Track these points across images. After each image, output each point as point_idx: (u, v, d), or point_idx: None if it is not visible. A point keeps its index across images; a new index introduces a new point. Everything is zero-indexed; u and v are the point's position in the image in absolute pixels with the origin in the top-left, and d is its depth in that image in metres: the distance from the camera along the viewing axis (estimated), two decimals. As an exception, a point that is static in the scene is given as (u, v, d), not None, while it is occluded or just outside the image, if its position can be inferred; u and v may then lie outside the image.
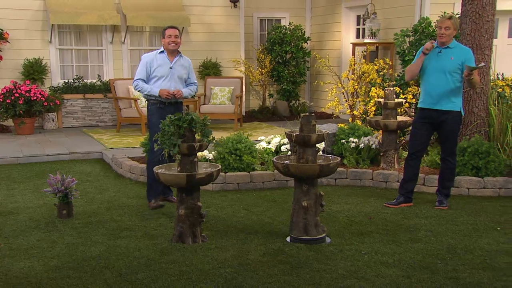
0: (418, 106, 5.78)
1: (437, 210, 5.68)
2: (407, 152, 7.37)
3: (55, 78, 11.12)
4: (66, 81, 11.12)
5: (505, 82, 7.31)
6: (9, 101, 9.88)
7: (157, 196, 5.82)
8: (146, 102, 5.91)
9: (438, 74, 5.52)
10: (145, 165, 7.07)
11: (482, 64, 5.80)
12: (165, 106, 5.74)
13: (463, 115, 5.78)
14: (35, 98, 10.01)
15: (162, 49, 5.81)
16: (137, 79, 5.79)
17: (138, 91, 5.81)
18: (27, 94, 9.97)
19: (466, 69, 5.39)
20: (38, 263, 4.27)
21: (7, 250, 4.56)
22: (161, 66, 5.75)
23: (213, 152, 6.88)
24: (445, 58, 5.52)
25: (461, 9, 6.88)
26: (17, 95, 9.90)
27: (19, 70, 10.71)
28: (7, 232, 5.02)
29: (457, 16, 7.63)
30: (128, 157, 7.63)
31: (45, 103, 10.18)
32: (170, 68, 5.76)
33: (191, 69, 6.01)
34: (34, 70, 10.65)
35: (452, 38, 5.56)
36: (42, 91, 10.26)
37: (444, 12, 8.84)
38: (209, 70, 11.78)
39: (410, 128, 8.29)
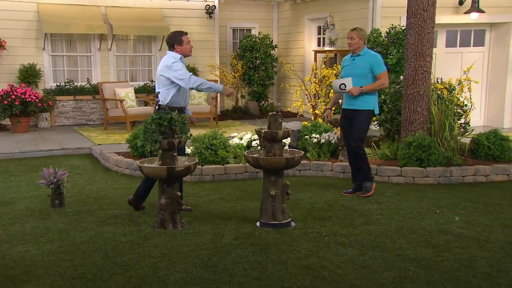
0: (342, 107, 5.85)
1: (387, 196, 5.72)
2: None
3: (48, 82, 10.89)
4: (58, 84, 10.91)
5: (443, 86, 7.43)
6: (6, 102, 9.68)
7: (143, 201, 5.26)
8: (157, 108, 4.84)
9: (352, 79, 5.56)
10: (130, 159, 7.00)
11: (344, 87, 5.61)
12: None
13: (376, 113, 5.74)
14: (30, 99, 9.80)
15: (178, 55, 5.02)
16: (191, 75, 4.95)
17: (198, 85, 4.94)
18: (23, 96, 9.76)
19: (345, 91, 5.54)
20: (33, 248, 4.18)
21: (5, 236, 4.46)
22: None
23: (191, 147, 6.83)
24: (357, 64, 5.60)
25: (406, 22, 6.97)
26: (13, 97, 9.68)
27: (15, 74, 10.47)
28: (5, 220, 4.91)
29: (403, 28, 7.76)
30: (114, 152, 7.52)
31: (39, 104, 9.97)
32: None
33: None
34: (29, 74, 10.43)
35: (362, 46, 5.62)
36: (37, 93, 10.04)
37: (392, 25, 8.99)
38: (188, 74, 11.67)
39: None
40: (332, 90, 8.20)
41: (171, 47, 5.07)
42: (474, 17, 10.00)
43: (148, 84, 11.51)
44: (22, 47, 10.54)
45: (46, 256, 4.02)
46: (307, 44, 12.08)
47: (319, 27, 11.80)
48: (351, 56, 5.71)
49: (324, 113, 5.81)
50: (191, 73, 5.02)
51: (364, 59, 5.60)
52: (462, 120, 7.46)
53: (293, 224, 4.77)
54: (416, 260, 3.95)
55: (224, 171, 6.59)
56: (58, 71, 11.15)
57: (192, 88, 5.01)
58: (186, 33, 5.12)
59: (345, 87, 5.56)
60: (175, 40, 5.05)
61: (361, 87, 5.51)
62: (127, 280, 3.59)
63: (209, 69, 12.09)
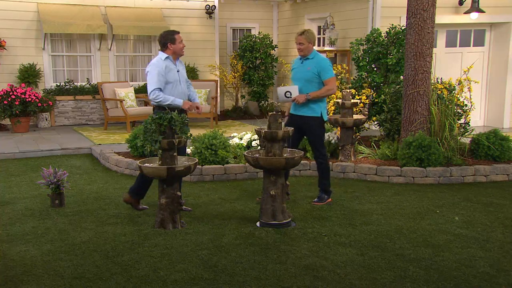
0: (289, 112, 5.59)
1: (387, 196, 5.73)
2: (362, 147, 7.49)
3: (48, 82, 10.89)
4: (58, 84, 10.90)
5: (443, 85, 7.44)
6: (6, 102, 9.67)
7: (141, 197, 5.27)
8: (154, 109, 5.07)
9: (299, 83, 5.38)
10: (130, 159, 7.00)
11: (290, 95, 5.37)
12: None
13: (325, 120, 5.43)
14: (30, 99, 9.79)
15: (165, 55, 5.03)
16: (154, 89, 4.89)
17: (158, 101, 4.90)
18: (23, 96, 9.76)
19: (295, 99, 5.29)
20: (33, 248, 4.19)
21: (5, 236, 4.46)
22: (171, 71, 5.01)
23: (191, 147, 6.83)
24: (304, 68, 5.39)
25: (406, 22, 6.97)
26: (13, 96, 9.68)
27: (15, 74, 10.47)
28: (5, 220, 4.91)
29: (403, 28, 7.75)
30: (114, 152, 7.52)
31: (39, 104, 9.97)
32: (178, 71, 5.14)
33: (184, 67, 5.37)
34: (29, 74, 10.43)
35: (311, 49, 5.40)
36: (36, 93, 10.04)
37: (392, 25, 8.99)
38: (187, 74, 11.65)
39: (365, 125, 8.40)
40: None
41: (164, 46, 5.06)
42: (474, 17, 10.01)
43: (148, 84, 11.51)
44: (22, 47, 10.54)
45: (46, 256, 4.02)
46: (307, 44, 12.06)
47: (319, 27, 11.80)
48: (300, 58, 5.47)
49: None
50: (158, 87, 4.89)
51: (312, 63, 5.32)
52: (462, 120, 7.46)
53: (293, 224, 4.77)
54: (416, 260, 3.95)
55: (224, 171, 6.59)
56: (58, 71, 11.15)
57: (151, 100, 4.99)
58: (178, 32, 5.12)
59: (291, 95, 5.31)
60: (168, 39, 5.04)
61: (307, 94, 5.27)
62: (127, 280, 3.59)
63: (209, 69, 12.09)
